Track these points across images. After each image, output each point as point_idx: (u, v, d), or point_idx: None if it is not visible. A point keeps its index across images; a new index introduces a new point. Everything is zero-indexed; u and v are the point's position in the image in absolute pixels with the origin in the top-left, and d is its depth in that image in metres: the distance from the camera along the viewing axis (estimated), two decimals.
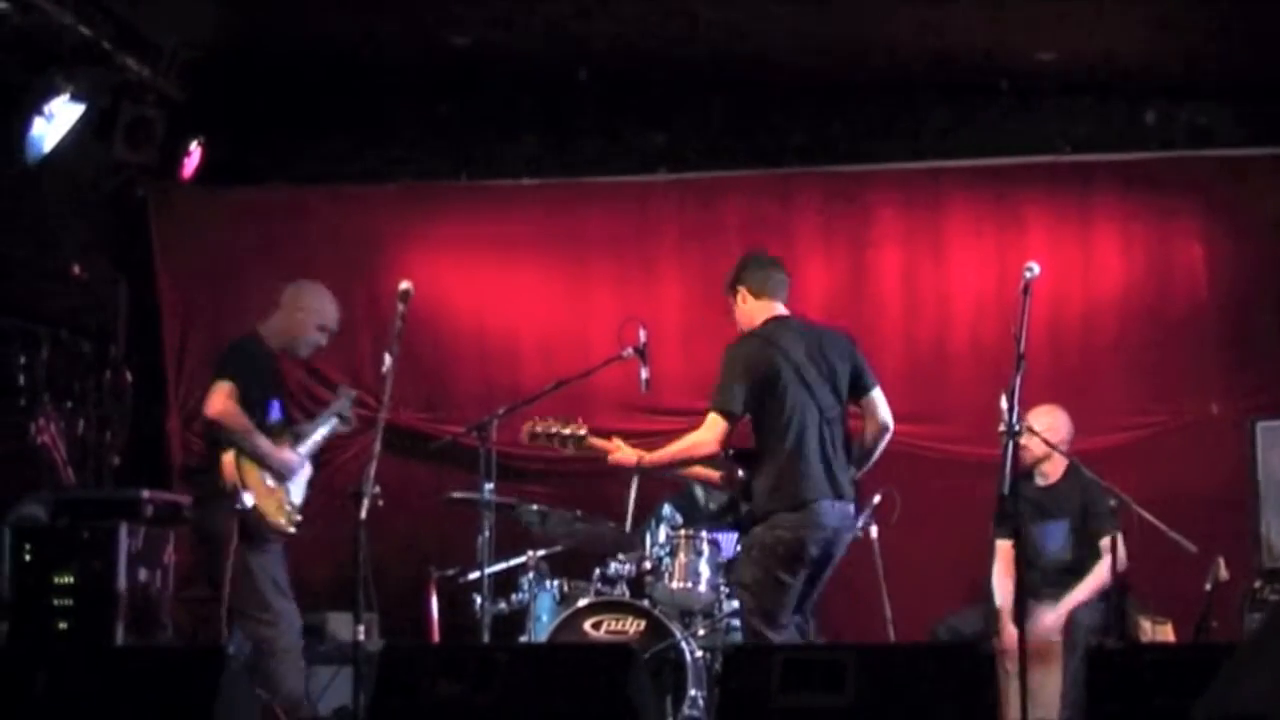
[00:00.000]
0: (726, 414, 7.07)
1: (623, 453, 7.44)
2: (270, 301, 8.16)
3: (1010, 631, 7.65)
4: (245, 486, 7.62)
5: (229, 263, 10.25)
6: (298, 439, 7.97)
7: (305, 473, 8.00)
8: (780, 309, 7.40)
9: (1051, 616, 7.99)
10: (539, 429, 7.54)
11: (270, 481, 7.79)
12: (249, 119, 10.26)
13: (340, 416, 8.24)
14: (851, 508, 7.28)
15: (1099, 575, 8.01)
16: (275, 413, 7.95)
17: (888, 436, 7.37)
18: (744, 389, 7.06)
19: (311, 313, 8.06)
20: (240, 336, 8.12)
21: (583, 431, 7.55)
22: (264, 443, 7.77)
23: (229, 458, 7.68)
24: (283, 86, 10.13)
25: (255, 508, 7.62)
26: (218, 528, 7.69)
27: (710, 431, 7.09)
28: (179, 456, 10.00)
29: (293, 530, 7.82)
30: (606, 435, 7.60)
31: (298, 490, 7.93)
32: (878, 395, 7.34)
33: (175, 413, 10.09)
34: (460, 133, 10.46)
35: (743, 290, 7.38)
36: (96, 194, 10.08)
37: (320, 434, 8.11)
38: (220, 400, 7.68)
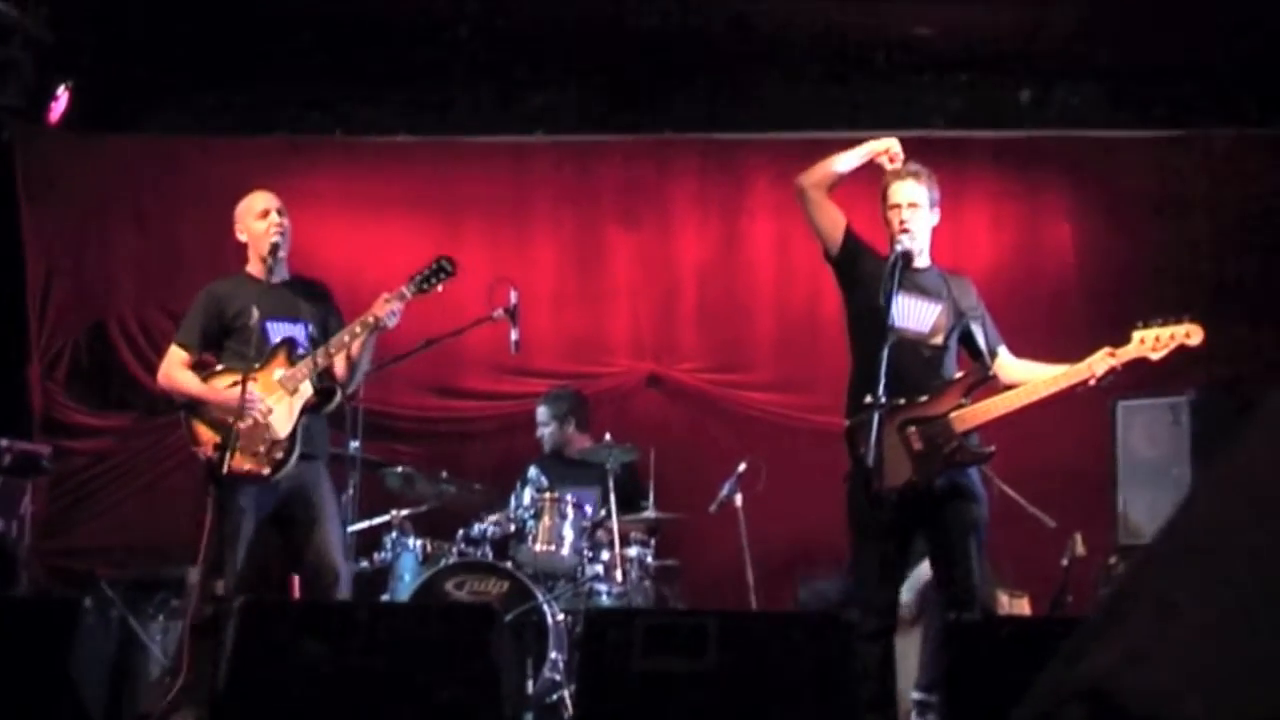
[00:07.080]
0: None
1: None
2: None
3: None
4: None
5: (96, 210, 10.13)
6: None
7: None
8: None
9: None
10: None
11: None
12: (120, 65, 10.07)
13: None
14: None
15: None
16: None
17: None
18: None
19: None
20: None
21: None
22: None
23: None
24: (156, 33, 9.93)
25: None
26: None
27: None
28: (39, 405, 9.85)
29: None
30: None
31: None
32: None
33: (37, 361, 9.91)
34: (336, 87, 10.35)
35: None
36: None
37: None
38: None
